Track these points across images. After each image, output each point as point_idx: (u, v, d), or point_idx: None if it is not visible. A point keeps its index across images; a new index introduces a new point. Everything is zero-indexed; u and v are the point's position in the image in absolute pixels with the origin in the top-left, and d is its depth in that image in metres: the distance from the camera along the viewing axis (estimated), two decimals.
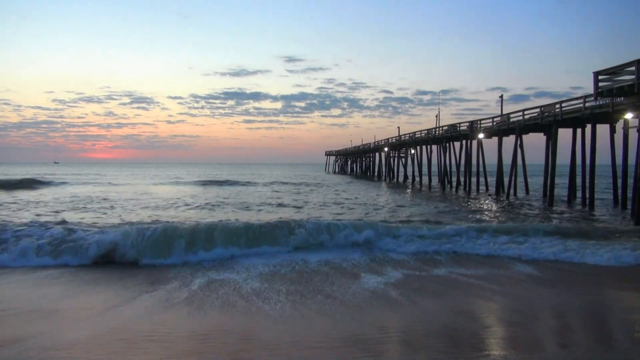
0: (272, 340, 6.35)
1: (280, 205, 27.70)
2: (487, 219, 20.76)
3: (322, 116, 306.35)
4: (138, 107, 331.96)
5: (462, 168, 38.82)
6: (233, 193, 38.00)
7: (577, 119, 24.56)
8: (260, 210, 24.90)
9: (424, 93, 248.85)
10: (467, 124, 36.28)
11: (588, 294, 9.00)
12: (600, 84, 19.04)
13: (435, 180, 46.47)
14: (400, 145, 54.79)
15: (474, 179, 37.63)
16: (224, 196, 34.27)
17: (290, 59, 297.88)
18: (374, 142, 67.76)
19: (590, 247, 12.84)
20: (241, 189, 44.97)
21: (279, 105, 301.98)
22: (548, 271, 10.98)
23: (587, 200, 25.10)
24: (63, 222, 15.62)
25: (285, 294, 8.69)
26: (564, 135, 27.09)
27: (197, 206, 26.31)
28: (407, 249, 13.10)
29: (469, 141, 36.67)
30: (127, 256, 11.52)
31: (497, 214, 22.64)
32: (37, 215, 20.82)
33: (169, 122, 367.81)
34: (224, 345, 6.18)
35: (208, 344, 6.21)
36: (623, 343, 6.55)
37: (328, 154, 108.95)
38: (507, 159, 31.55)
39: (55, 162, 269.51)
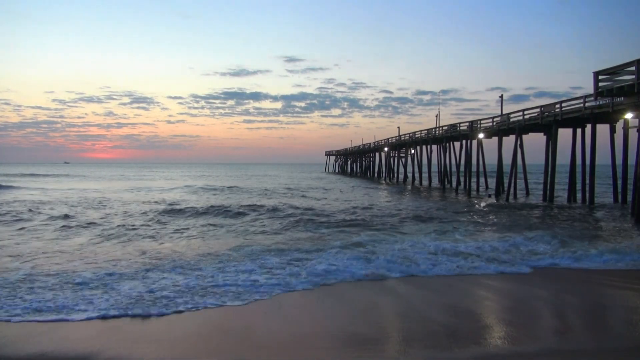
0: None
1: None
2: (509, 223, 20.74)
3: (322, 116, 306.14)
4: (138, 107, 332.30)
5: (462, 168, 38.86)
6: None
7: (577, 119, 24.59)
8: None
9: (424, 93, 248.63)
10: (467, 124, 36.29)
11: None
12: (600, 84, 19.07)
13: (435, 180, 46.52)
14: (400, 145, 54.82)
15: (474, 179, 37.68)
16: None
17: (290, 59, 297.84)
18: (374, 142, 67.80)
19: None
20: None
21: (279, 105, 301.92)
22: None
23: (587, 200, 25.13)
24: None
25: None
26: (564, 135, 27.15)
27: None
28: None
29: (469, 141, 36.67)
30: None
31: (502, 216, 22.68)
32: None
33: (169, 122, 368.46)
34: None
35: None
36: None
37: (328, 154, 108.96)
38: (507, 159, 31.63)
39: (65, 162, 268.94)
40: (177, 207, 25.65)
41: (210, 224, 19.16)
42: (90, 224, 18.88)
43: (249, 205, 26.18)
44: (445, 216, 21.69)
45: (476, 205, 26.99)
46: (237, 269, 10.77)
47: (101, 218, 20.91)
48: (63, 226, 18.13)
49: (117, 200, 30.95)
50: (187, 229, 17.95)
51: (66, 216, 21.03)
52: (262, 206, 25.77)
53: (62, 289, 9.08)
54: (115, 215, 22.15)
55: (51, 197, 32.45)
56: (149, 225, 18.67)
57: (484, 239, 15.26)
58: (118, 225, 18.29)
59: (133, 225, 18.47)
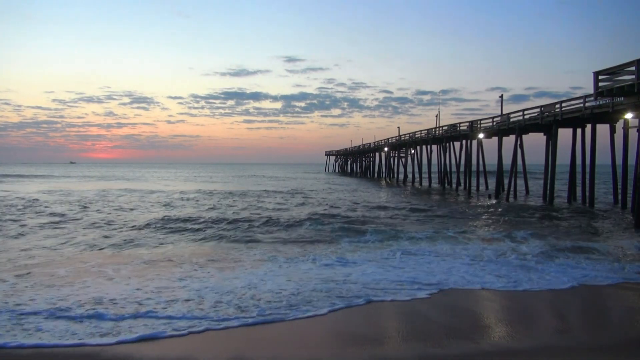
0: None
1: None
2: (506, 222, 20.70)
3: (322, 116, 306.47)
4: (138, 107, 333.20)
5: (462, 168, 38.82)
6: None
7: (577, 119, 24.53)
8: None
9: (424, 93, 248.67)
10: (467, 124, 36.25)
11: None
12: (600, 84, 19.02)
13: (435, 180, 46.47)
14: (400, 145, 54.78)
15: (473, 179, 37.65)
16: None
17: (290, 59, 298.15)
18: (374, 142, 67.76)
19: None
20: None
21: (279, 105, 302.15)
22: None
23: (587, 200, 25.08)
24: None
25: None
26: (564, 135, 27.11)
27: None
28: None
29: (469, 141, 36.64)
30: None
31: (501, 216, 22.65)
32: None
33: (169, 122, 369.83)
34: None
35: None
36: None
37: (328, 154, 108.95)
38: (507, 159, 31.61)
39: (71, 162, 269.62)
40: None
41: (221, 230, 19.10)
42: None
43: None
44: (449, 219, 21.69)
45: (476, 206, 26.96)
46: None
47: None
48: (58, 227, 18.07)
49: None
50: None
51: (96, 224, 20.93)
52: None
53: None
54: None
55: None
56: None
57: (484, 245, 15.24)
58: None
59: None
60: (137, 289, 9.15)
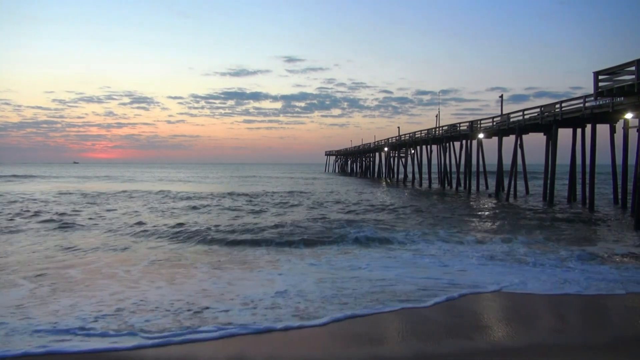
0: None
1: None
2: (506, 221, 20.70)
3: (322, 116, 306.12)
4: (138, 107, 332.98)
5: (462, 168, 38.86)
6: None
7: (577, 119, 24.55)
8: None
9: (424, 93, 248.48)
10: (467, 124, 36.28)
11: None
12: (600, 84, 19.02)
13: (435, 180, 46.48)
14: (400, 145, 54.82)
15: (473, 179, 37.68)
16: None
17: (290, 59, 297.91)
18: (374, 142, 67.81)
19: None
20: None
21: (279, 105, 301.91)
22: None
23: (587, 200, 25.10)
24: None
25: None
26: (564, 135, 27.13)
27: None
28: None
29: (469, 141, 36.67)
30: None
31: (502, 216, 22.66)
32: None
33: (169, 122, 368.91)
34: None
35: None
36: None
37: (328, 154, 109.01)
38: (507, 159, 31.62)
39: (74, 162, 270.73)
40: None
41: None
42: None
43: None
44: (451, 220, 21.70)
45: (477, 206, 26.97)
46: None
47: None
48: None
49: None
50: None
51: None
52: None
53: None
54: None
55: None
56: None
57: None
58: None
59: None
60: (177, 292, 8.97)
